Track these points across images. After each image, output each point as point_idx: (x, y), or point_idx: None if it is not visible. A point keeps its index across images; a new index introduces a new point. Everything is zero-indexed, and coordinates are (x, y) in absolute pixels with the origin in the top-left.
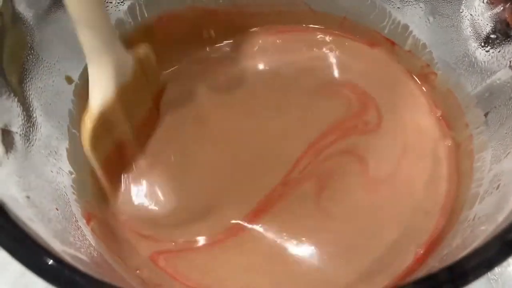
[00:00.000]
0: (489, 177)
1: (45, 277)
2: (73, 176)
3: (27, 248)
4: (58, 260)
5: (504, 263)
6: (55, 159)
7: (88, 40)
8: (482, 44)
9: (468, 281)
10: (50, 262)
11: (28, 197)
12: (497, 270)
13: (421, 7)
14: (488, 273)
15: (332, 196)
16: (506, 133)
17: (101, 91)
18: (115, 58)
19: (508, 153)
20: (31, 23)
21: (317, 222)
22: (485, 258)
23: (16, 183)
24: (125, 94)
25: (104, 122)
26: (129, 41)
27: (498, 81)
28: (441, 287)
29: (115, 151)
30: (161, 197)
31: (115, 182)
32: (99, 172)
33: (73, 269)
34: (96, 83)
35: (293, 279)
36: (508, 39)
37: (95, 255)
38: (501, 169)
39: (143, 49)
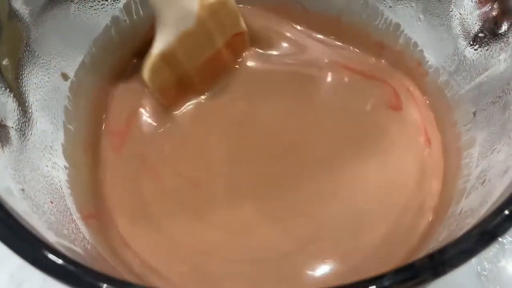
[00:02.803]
0: (476, 173)
1: (40, 267)
2: (67, 171)
3: (22, 239)
4: (53, 250)
5: (495, 259)
6: (50, 154)
7: None
8: (471, 42)
9: (446, 269)
10: (45, 252)
11: (23, 190)
12: (487, 266)
13: (412, 6)
14: (479, 268)
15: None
16: (492, 130)
17: (161, 38)
18: (175, 4)
19: (494, 149)
20: (27, 20)
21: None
22: (463, 248)
23: (12, 176)
24: (188, 38)
25: (164, 59)
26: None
27: (486, 79)
28: (421, 274)
29: (175, 84)
30: None
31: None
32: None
33: (68, 260)
34: (159, 29)
35: None
36: (496, 37)
37: (89, 248)
38: (488, 165)
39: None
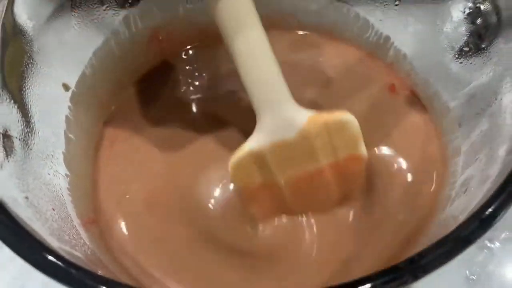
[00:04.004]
0: (460, 181)
1: (44, 270)
2: (68, 178)
3: (27, 244)
4: (56, 255)
5: (483, 263)
6: (51, 162)
7: (258, 89)
8: (457, 56)
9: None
10: (48, 257)
11: (26, 197)
12: (476, 269)
13: (401, 19)
14: (467, 272)
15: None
16: (475, 140)
17: (255, 137)
18: (279, 113)
19: (477, 158)
20: (30, 34)
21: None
22: (441, 252)
23: (16, 185)
24: (282, 149)
25: (251, 160)
26: None
27: (470, 92)
28: (402, 277)
29: (260, 189)
30: None
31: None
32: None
33: (69, 263)
34: (257, 129)
35: None
36: (479, 51)
37: (89, 253)
38: (471, 174)
39: (339, 117)
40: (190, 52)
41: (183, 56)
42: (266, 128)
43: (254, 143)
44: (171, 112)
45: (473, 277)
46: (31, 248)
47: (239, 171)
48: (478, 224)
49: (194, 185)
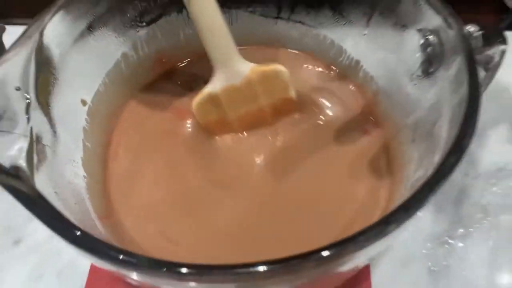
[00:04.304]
0: (409, 184)
1: (76, 244)
2: (86, 180)
3: (63, 224)
4: (84, 232)
5: (444, 258)
6: (73, 166)
7: (213, 48)
8: (411, 79)
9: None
10: (78, 233)
11: (56, 193)
12: (438, 261)
13: (369, 46)
14: (430, 264)
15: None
16: (422, 153)
17: (211, 84)
18: (229, 62)
19: (421, 166)
20: (56, 59)
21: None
22: (366, 235)
23: (48, 183)
24: (233, 91)
25: (208, 101)
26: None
27: (421, 112)
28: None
29: (216, 120)
30: None
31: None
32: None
33: (95, 239)
34: (213, 77)
35: None
36: (428, 76)
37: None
38: (416, 179)
39: (268, 70)
40: (186, 65)
41: (181, 69)
42: (219, 76)
43: (210, 88)
44: (171, 118)
45: (434, 268)
46: (65, 228)
47: (201, 109)
48: (402, 213)
49: (193, 181)
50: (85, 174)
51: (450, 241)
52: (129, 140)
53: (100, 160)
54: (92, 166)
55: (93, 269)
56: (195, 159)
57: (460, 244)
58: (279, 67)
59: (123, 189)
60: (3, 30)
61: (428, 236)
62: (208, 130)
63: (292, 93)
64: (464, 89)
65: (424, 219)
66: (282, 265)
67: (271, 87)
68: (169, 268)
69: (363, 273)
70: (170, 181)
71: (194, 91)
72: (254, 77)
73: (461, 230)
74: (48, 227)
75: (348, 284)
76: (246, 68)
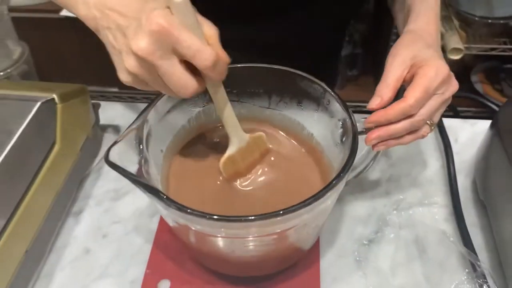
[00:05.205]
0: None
1: (161, 200)
2: (160, 187)
3: (157, 195)
4: (166, 195)
5: (364, 251)
6: (156, 180)
7: (229, 126)
8: (337, 143)
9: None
10: (165, 197)
11: (152, 185)
12: (361, 254)
13: (317, 125)
14: (356, 253)
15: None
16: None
17: (229, 149)
18: (238, 135)
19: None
20: (152, 127)
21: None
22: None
23: (149, 181)
24: (242, 151)
25: (229, 159)
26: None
27: (338, 154)
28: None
29: (236, 171)
30: None
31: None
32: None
33: (169, 198)
34: (230, 143)
35: None
36: (342, 142)
37: None
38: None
39: (256, 136)
40: (214, 130)
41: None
42: (233, 143)
43: (230, 151)
44: (206, 165)
45: (359, 259)
46: (158, 195)
47: (226, 166)
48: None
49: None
50: (160, 185)
51: (368, 242)
52: (180, 170)
53: (166, 179)
54: (164, 178)
55: (154, 251)
56: (223, 191)
57: (374, 245)
58: (261, 134)
59: (178, 191)
60: (99, 106)
61: (356, 239)
62: (229, 179)
63: (269, 145)
64: (350, 147)
65: (355, 228)
66: (260, 216)
67: (258, 144)
68: (194, 212)
69: (314, 261)
70: (205, 191)
71: (218, 148)
72: (251, 141)
73: (379, 234)
74: (150, 194)
75: (302, 265)
76: (246, 136)
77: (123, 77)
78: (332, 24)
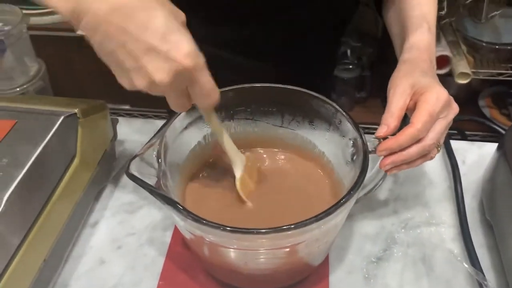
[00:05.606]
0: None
1: (177, 210)
2: (177, 198)
3: (174, 205)
4: (182, 206)
5: (372, 269)
6: (173, 193)
7: (229, 148)
8: (347, 162)
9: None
10: (182, 208)
11: (171, 196)
12: (369, 272)
13: (328, 144)
14: (365, 270)
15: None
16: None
17: (237, 172)
18: (238, 155)
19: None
20: (169, 142)
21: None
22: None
23: (167, 193)
24: (247, 169)
25: (242, 179)
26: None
27: (349, 172)
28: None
29: (248, 188)
30: None
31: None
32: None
33: (185, 209)
34: (235, 167)
35: None
36: (352, 161)
37: None
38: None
39: (247, 155)
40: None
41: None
42: (237, 166)
43: (238, 175)
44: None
45: (367, 276)
46: (175, 206)
47: (242, 188)
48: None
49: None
50: (178, 196)
51: (377, 260)
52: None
53: (181, 196)
54: (180, 191)
55: (167, 263)
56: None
57: (382, 263)
58: (247, 154)
59: (194, 204)
60: (117, 122)
61: (365, 256)
62: (244, 194)
63: (259, 166)
64: (361, 165)
65: (364, 245)
66: (274, 229)
67: (252, 161)
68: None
69: (323, 276)
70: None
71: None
72: (247, 160)
73: (383, 254)
74: (169, 206)
75: (312, 280)
76: (243, 157)
77: (125, 85)
78: (332, 22)
